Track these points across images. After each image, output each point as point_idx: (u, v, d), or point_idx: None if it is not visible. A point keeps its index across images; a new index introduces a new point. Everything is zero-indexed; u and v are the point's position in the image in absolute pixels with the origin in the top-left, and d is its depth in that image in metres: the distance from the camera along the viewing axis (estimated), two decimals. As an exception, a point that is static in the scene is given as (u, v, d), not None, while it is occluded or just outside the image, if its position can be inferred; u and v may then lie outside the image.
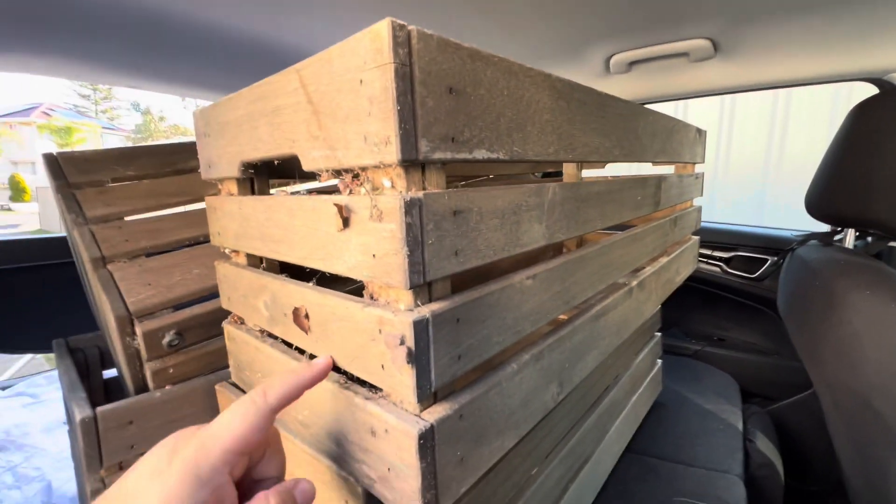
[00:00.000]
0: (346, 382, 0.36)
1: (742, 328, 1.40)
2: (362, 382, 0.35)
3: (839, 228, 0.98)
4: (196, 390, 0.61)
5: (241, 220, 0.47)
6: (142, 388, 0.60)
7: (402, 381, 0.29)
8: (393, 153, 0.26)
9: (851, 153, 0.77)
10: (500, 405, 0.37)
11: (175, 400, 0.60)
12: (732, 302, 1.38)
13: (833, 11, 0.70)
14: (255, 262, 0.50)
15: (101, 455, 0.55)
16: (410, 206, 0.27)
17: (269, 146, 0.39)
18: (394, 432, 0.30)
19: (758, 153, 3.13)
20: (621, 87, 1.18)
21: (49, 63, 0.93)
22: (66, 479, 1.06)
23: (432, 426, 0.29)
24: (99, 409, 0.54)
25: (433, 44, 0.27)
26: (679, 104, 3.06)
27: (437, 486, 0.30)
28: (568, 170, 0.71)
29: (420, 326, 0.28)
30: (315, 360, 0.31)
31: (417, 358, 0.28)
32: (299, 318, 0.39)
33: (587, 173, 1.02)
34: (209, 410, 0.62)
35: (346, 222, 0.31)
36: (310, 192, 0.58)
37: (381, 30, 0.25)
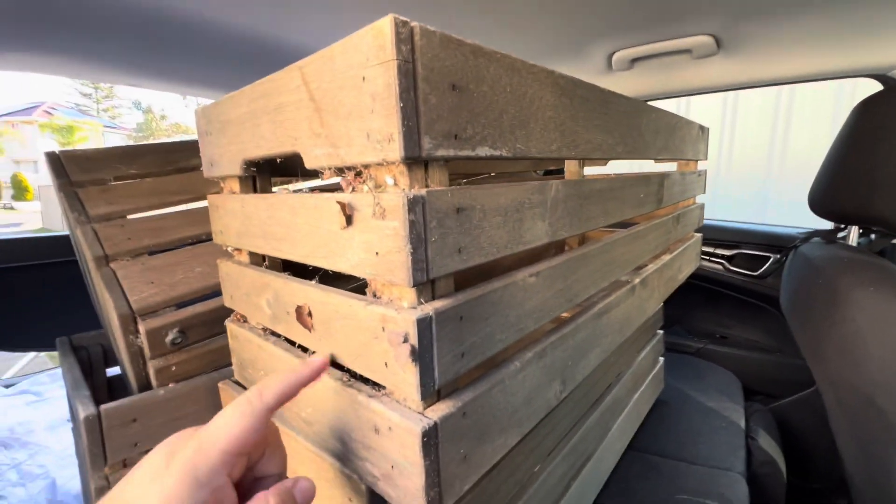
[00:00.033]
0: (349, 380, 0.36)
1: (744, 326, 1.40)
2: (365, 380, 0.35)
3: (842, 226, 0.97)
4: (199, 388, 0.61)
5: (243, 219, 0.47)
6: (145, 385, 0.61)
7: (405, 378, 0.29)
8: (396, 150, 0.26)
9: (855, 150, 0.77)
10: (504, 403, 0.37)
11: (178, 398, 0.60)
12: (735, 299, 1.38)
13: (837, 7, 0.70)
14: (258, 260, 0.50)
15: (105, 452, 0.56)
16: (414, 204, 0.27)
17: (271, 144, 0.39)
18: (397, 430, 0.30)
19: (760, 150, 3.12)
20: (623, 84, 1.18)
21: (51, 62, 0.93)
22: (70, 477, 1.06)
23: (436, 424, 0.29)
24: (103, 406, 0.54)
25: (436, 40, 0.27)
26: (681, 101, 3.06)
27: (441, 483, 0.30)
28: (570, 167, 0.71)
29: (423, 324, 0.28)
30: (312, 357, 0.31)
31: (421, 356, 0.28)
32: (302, 316, 0.39)
33: (589, 170, 1.02)
34: (212, 408, 0.62)
35: (348, 220, 0.31)
36: (312, 189, 0.58)
37: (384, 26, 0.25)
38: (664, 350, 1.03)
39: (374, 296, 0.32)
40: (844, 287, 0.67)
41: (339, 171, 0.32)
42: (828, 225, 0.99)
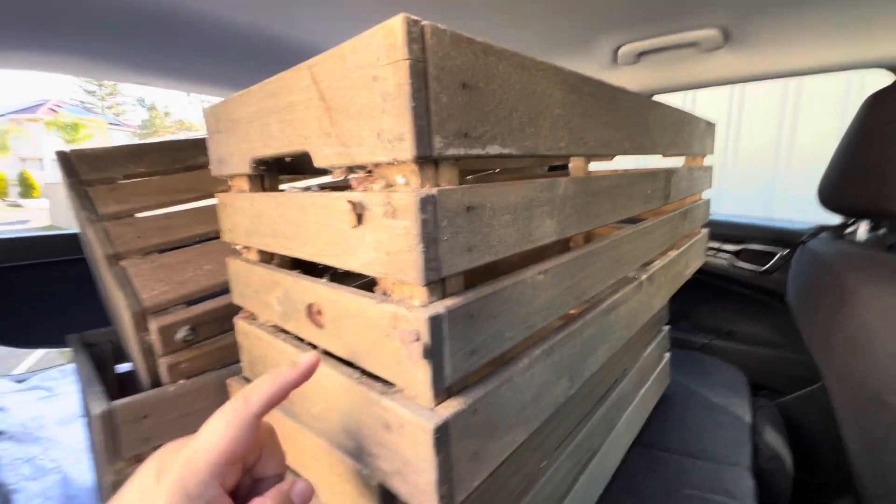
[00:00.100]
0: (359, 377, 0.36)
1: (750, 321, 1.39)
2: (375, 377, 0.35)
3: (851, 221, 0.96)
4: (209, 385, 0.62)
5: (252, 217, 0.47)
6: (156, 382, 0.61)
7: (416, 376, 0.29)
8: (407, 150, 0.26)
9: (866, 143, 0.76)
10: (513, 400, 0.37)
11: (188, 394, 0.61)
12: (741, 295, 1.37)
13: None
14: (266, 258, 0.50)
15: (119, 448, 0.56)
16: (425, 203, 0.27)
17: (280, 143, 0.39)
18: (409, 427, 0.30)
19: (767, 144, 3.09)
20: (629, 78, 1.17)
21: (58, 61, 0.93)
22: (82, 471, 1.08)
23: (447, 421, 0.30)
24: (115, 402, 0.55)
25: (446, 39, 0.27)
26: (687, 95, 3.03)
27: (453, 479, 0.31)
28: (575, 163, 0.71)
29: (435, 322, 0.28)
30: (301, 359, 0.30)
31: (433, 353, 0.28)
32: (313, 314, 0.39)
33: (593, 166, 1.01)
34: (221, 405, 0.63)
35: (359, 219, 0.31)
36: (322, 187, 0.59)
37: (395, 26, 0.25)
38: (670, 346, 1.03)
39: (384, 294, 0.33)
40: (853, 283, 0.66)
41: (349, 169, 0.32)
42: (836, 220, 0.98)
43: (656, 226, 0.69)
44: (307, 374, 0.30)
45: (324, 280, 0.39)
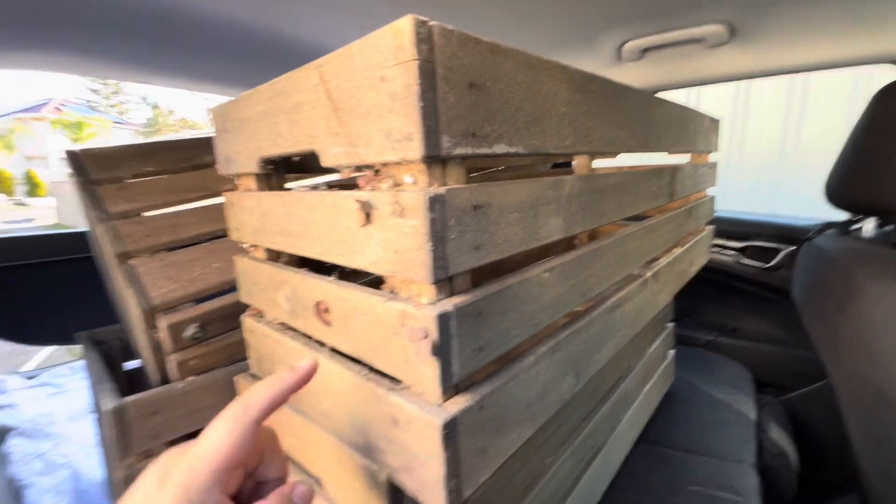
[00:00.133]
0: (367, 374, 0.37)
1: (755, 318, 1.39)
2: (383, 374, 0.35)
3: (858, 217, 0.96)
4: (217, 381, 0.63)
5: (259, 216, 0.47)
6: (165, 379, 0.62)
7: (425, 373, 0.30)
8: (416, 150, 0.26)
9: (874, 139, 0.76)
10: (519, 396, 0.37)
11: (197, 391, 0.62)
12: (746, 292, 1.37)
13: None
14: (274, 256, 0.51)
15: (129, 443, 0.57)
16: (434, 202, 0.27)
17: (288, 142, 0.39)
18: (417, 423, 0.31)
19: (773, 140, 3.06)
20: (633, 75, 1.17)
21: (63, 60, 0.94)
22: (92, 466, 1.09)
23: (455, 417, 0.30)
24: (126, 399, 0.56)
25: (454, 39, 0.27)
26: (692, 91, 3.00)
27: (460, 474, 0.31)
28: (579, 160, 0.71)
29: (444, 320, 0.28)
30: (299, 364, 0.30)
31: (441, 350, 0.29)
32: (320, 311, 0.40)
33: (597, 163, 1.01)
34: (229, 401, 0.63)
35: (367, 218, 0.31)
36: (330, 186, 0.59)
37: (404, 26, 0.25)
38: (674, 343, 1.03)
39: (392, 292, 0.33)
40: (860, 279, 0.66)
41: (357, 169, 0.33)
42: (842, 217, 0.98)
43: (661, 223, 0.69)
44: (306, 378, 0.30)
45: (332, 278, 0.39)
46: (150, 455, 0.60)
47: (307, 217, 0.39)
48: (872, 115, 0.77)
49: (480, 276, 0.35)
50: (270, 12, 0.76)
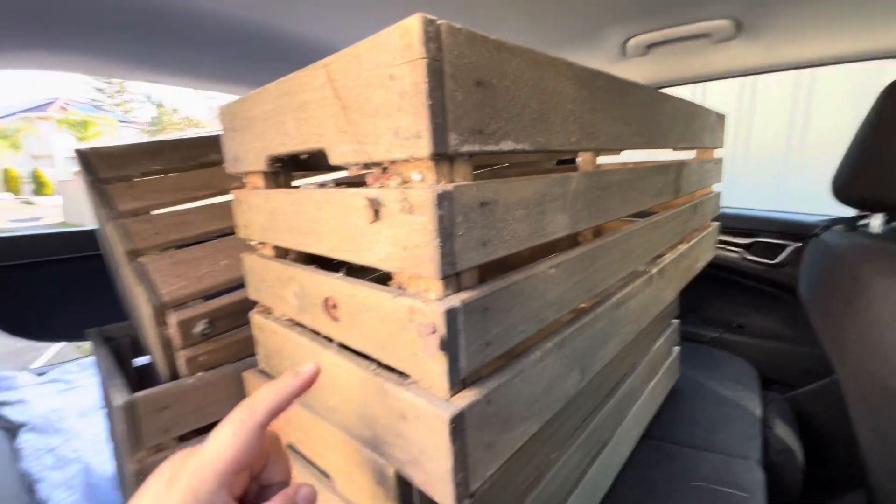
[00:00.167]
0: (375, 369, 0.37)
1: (761, 315, 1.38)
2: (391, 369, 0.36)
3: (866, 213, 0.95)
4: (226, 377, 0.64)
5: (267, 213, 0.48)
6: (174, 375, 0.63)
7: (433, 368, 0.30)
8: (424, 147, 0.27)
9: (881, 135, 0.75)
10: (525, 391, 0.38)
11: (206, 386, 0.63)
12: (751, 288, 1.36)
13: None
14: (281, 253, 0.51)
15: (140, 438, 0.58)
16: (442, 199, 0.27)
17: (295, 141, 0.40)
18: (425, 417, 0.31)
19: (779, 136, 3.04)
20: (638, 71, 1.16)
21: (68, 59, 0.94)
22: (102, 461, 1.11)
23: (462, 411, 0.30)
24: (137, 394, 0.57)
25: (462, 38, 0.28)
26: (697, 86, 2.98)
27: (468, 468, 0.32)
28: (584, 157, 0.71)
29: (451, 315, 0.29)
30: (302, 368, 0.31)
31: (449, 345, 0.29)
32: (328, 307, 0.40)
33: (602, 160, 1.01)
34: (238, 396, 0.64)
35: (376, 215, 0.32)
36: (337, 183, 0.59)
37: (412, 25, 0.26)
38: (679, 339, 1.03)
39: (400, 288, 0.33)
40: (867, 275, 0.66)
41: (366, 166, 0.33)
42: (850, 213, 0.97)
43: (666, 219, 0.69)
44: (309, 382, 0.31)
45: (340, 274, 0.40)
46: (160, 449, 0.61)
47: (315, 214, 0.39)
48: (880, 110, 0.76)
49: (487, 272, 0.35)
50: (276, 11, 0.76)
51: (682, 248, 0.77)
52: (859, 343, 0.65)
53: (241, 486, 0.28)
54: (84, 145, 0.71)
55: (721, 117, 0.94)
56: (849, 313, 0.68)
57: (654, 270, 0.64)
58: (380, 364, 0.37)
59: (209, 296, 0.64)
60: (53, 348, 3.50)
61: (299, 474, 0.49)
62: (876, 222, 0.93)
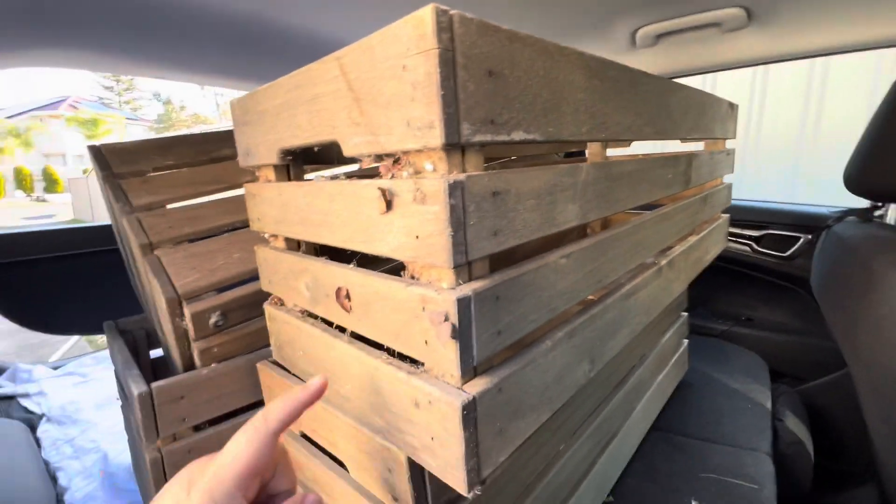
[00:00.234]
0: (388, 358, 0.38)
1: (771, 308, 1.37)
2: (403, 357, 0.36)
3: (879, 204, 0.94)
4: (240, 368, 0.65)
5: (280, 206, 0.49)
6: (189, 366, 0.64)
7: (445, 355, 0.31)
8: (437, 137, 0.27)
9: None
10: (536, 380, 0.38)
11: (220, 377, 0.64)
12: (762, 281, 1.35)
13: None
14: (294, 245, 0.52)
15: (157, 427, 0.60)
16: (454, 189, 0.28)
17: (308, 133, 0.40)
18: (438, 404, 0.32)
19: (792, 126, 2.99)
20: (647, 61, 1.15)
21: (78, 56, 0.95)
22: (119, 451, 1.14)
23: (474, 398, 0.31)
24: (154, 384, 0.58)
25: (473, 28, 0.28)
26: (707, 76, 2.94)
27: (479, 454, 0.32)
28: (593, 148, 0.71)
29: (463, 304, 0.29)
30: (311, 381, 0.33)
31: (461, 334, 0.30)
32: (341, 297, 0.41)
33: (612, 151, 1.00)
34: (251, 387, 0.66)
35: (388, 205, 0.32)
36: (349, 176, 0.60)
37: (425, 16, 0.26)
38: (689, 332, 1.03)
39: (412, 278, 0.34)
40: (881, 267, 0.65)
41: (378, 157, 0.33)
42: (863, 204, 0.96)
43: (676, 211, 0.68)
44: (317, 395, 0.33)
45: (352, 265, 0.40)
46: (176, 438, 0.62)
47: (328, 206, 0.40)
48: (894, 100, 0.75)
49: (498, 262, 0.35)
50: (282, 6, 0.76)
51: (692, 239, 0.77)
52: (873, 336, 0.64)
53: (254, 491, 0.30)
54: (95, 142, 0.72)
55: (734, 107, 0.92)
56: (862, 306, 0.67)
57: (664, 262, 0.64)
58: (392, 353, 0.38)
59: (222, 288, 0.65)
60: (68, 343, 3.57)
61: (311, 465, 0.50)
62: (890, 213, 0.91)
